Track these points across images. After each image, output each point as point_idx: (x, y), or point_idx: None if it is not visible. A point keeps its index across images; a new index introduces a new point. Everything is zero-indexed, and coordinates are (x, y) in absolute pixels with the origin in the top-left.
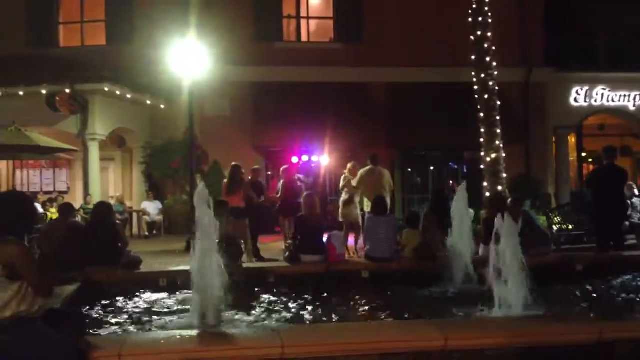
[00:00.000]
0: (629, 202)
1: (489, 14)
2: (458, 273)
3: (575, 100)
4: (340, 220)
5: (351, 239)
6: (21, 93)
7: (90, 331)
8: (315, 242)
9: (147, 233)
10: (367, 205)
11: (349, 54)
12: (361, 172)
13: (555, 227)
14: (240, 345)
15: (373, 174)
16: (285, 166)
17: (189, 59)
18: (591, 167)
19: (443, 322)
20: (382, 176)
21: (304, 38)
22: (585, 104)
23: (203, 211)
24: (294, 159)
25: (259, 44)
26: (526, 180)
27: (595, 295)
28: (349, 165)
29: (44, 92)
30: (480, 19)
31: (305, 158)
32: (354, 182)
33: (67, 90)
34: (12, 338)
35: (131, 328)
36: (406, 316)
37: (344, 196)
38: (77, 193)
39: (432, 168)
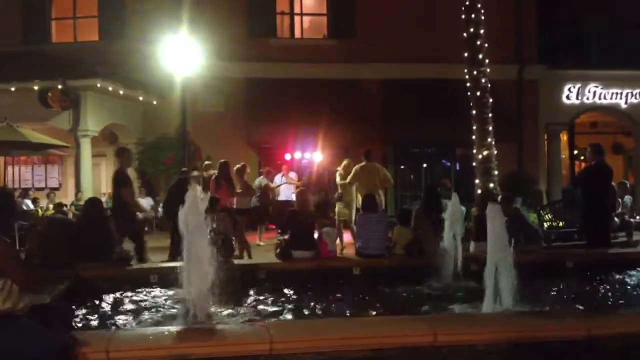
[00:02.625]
0: (620, 200)
1: (482, 11)
2: (448, 269)
3: (568, 97)
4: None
5: (347, 235)
6: (13, 89)
7: (79, 327)
8: (306, 238)
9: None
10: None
11: (343, 50)
12: (355, 167)
13: (546, 224)
14: (228, 341)
15: (367, 170)
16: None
17: (182, 55)
18: (583, 164)
19: (432, 318)
20: (377, 172)
21: (297, 34)
22: (577, 102)
23: (193, 206)
24: (287, 156)
25: (252, 40)
26: (518, 177)
27: (584, 291)
28: (344, 163)
29: (35, 88)
30: (473, 15)
31: (298, 155)
32: (348, 179)
33: (59, 86)
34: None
35: (120, 324)
36: (396, 312)
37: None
38: (68, 189)
39: (424, 165)
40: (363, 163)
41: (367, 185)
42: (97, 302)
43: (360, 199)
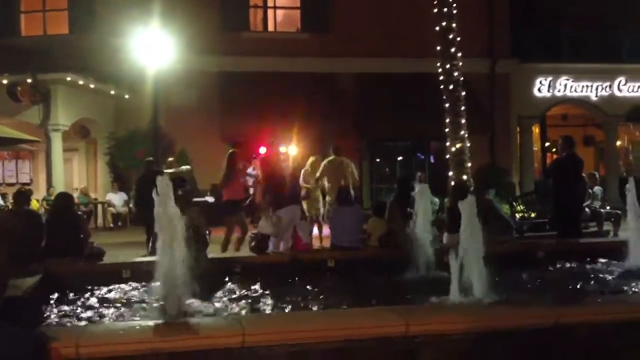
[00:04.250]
0: (590, 190)
1: (454, 5)
2: (421, 261)
3: (539, 90)
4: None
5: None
6: None
7: (50, 323)
8: (288, 194)
9: (112, 225)
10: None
11: (316, 44)
12: (324, 162)
13: (518, 215)
14: (200, 335)
15: (335, 164)
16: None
17: (154, 48)
18: (554, 156)
19: (405, 309)
20: (346, 166)
21: (270, 28)
22: (549, 94)
23: (165, 200)
24: (262, 149)
25: (225, 33)
26: (490, 169)
27: (554, 281)
28: (311, 159)
29: (5, 82)
30: (445, 9)
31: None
32: (317, 173)
33: (29, 80)
34: None
35: (91, 319)
36: (370, 304)
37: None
38: (40, 185)
39: (399, 158)
40: (331, 157)
41: (336, 179)
42: (66, 298)
43: (329, 193)
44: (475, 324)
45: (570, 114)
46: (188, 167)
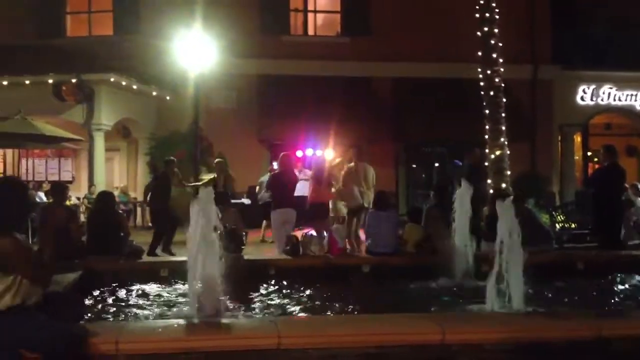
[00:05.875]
0: (633, 201)
1: (497, 10)
2: (459, 268)
3: (582, 98)
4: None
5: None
6: (28, 82)
7: (89, 318)
8: (287, 198)
9: (150, 224)
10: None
11: (356, 48)
12: (347, 168)
13: (558, 226)
14: (236, 335)
15: (356, 170)
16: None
17: (195, 51)
18: (596, 166)
19: (441, 316)
20: (365, 172)
21: (310, 32)
22: (592, 103)
23: (204, 200)
24: (299, 153)
25: (265, 36)
26: (530, 177)
27: (595, 293)
28: (337, 161)
29: (50, 81)
30: (487, 14)
31: (309, 152)
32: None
33: (74, 80)
34: (7, 324)
35: (130, 317)
36: (405, 310)
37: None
38: (82, 183)
39: (436, 164)
40: (352, 163)
41: (356, 185)
42: (105, 294)
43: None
44: (514, 335)
45: (613, 123)
46: (210, 176)
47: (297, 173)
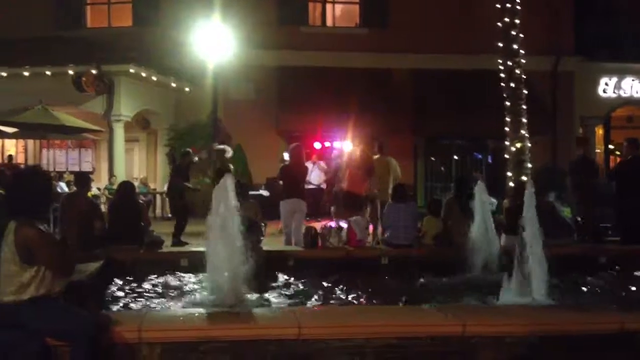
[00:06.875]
0: None
1: (518, 0)
2: (478, 261)
3: (604, 91)
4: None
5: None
6: (48, 73)
7: (111, 307)
8: (296, 189)
9: (170, 214)
10: None
11: (374, 39)
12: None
13: (579, 219)
14: (257, 325)
15: (379, 163)
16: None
17: (214, 42)
18: (618, 159)
19: (462, 309)
20: (388, 165)
21: (329, 22)
22: (614, 95)
23: (223, 191)
24: (317, 144)
25: (283, 27)
26: (552, 171)
27: (617, 286)
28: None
29: (70, 72)
30: (508, 5)
31: (327, 143)
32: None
33: (93, 71)
34: (30, 314)
35: (151, 305)
36: (425, 302)
37: None
38: (102, 173)
39: (455, 157)
40: (377, 156)
41: (380, 178)
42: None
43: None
44: (535, 327)
45: (636, 115)
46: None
47: (310, 165)
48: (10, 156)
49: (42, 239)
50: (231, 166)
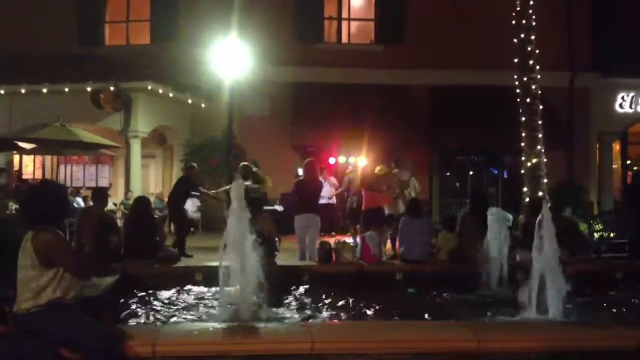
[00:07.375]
0: None
1: (534, 17)
2: (493, 277)
3: (621, 106)
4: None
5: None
6: (67, 90)
7: (126, 320)
8: (310, 204)
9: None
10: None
11: (390, 55)
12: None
13: (596, 235)
14: (270, 339)
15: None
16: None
17: (231, 58)
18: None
19: (477, 324)
20: (409, 180)
21: (344, 39)
22: (631, 111)
23: (237, 207)
24: (331, 160)
25: (299, 44)
26: (568, 186)
27: (634, 302)
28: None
29: (89, 89)
30: (524, 21)
31: (342, 159)
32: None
33: (112, 88)
34: (48, 320)
35: (166, 320)
36: (439, 318)
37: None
38: (118, 189)
39: (470, 172)
40: (395, 171)
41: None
42: (143, 298)
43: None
44: (551, 344)
45: None
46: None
47: (322, 180)
48: (18, 172)
49: (60, 241)
50: (268, 180)
